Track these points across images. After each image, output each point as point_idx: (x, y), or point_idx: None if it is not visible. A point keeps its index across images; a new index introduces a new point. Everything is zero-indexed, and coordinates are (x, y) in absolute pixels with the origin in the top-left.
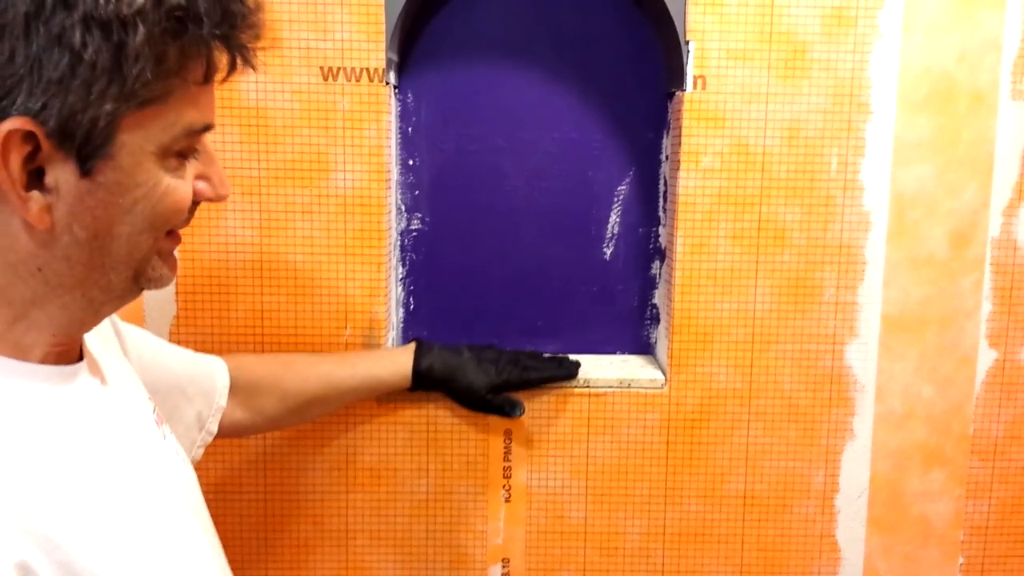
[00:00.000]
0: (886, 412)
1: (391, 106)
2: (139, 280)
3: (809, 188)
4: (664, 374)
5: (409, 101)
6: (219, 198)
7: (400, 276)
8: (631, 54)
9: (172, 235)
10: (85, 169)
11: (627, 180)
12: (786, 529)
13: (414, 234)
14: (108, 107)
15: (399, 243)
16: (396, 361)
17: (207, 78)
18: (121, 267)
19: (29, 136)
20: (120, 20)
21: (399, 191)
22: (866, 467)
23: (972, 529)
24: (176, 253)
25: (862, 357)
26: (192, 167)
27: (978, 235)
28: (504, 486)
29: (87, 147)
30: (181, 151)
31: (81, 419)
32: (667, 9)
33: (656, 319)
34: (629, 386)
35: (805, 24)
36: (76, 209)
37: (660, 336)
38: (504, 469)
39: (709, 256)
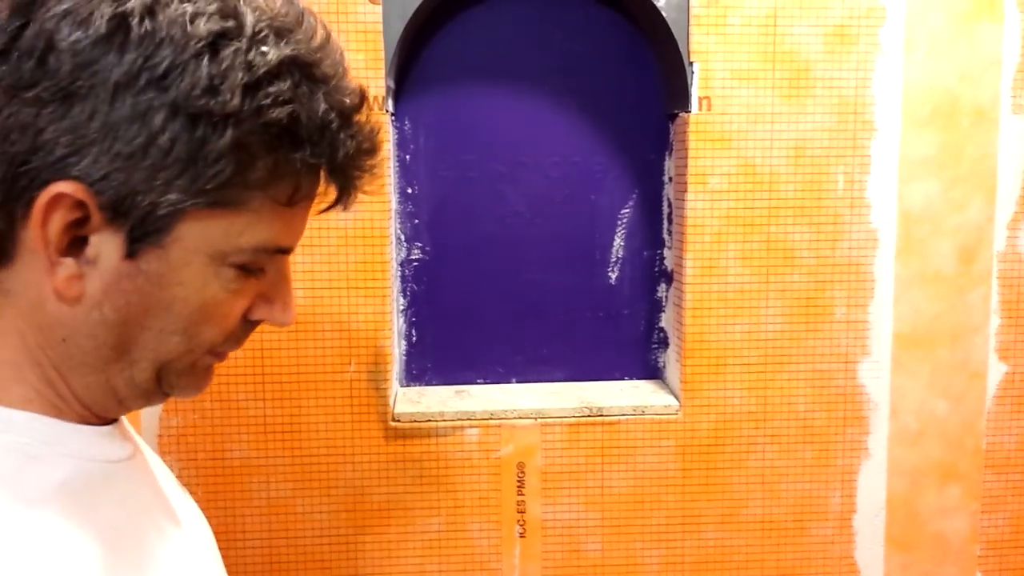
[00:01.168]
0: (900, 429)
1: (390, 134)
2: (161, 383)
3: (816, 207)
4: (677, 399)
5: (407, 128)
6: (277, 324)
7: (401, 307)
8: (630, 76)
9: (214, 352)
10: (131, 251)
11: (630, 203)
12: (805, 552)
13: (415, 264)
14: (172, 197)
15: (400, 274)
16: None
17: (291, 201)
18: (145, 363)
19: (80, 203)
20: (209, 116)
21: (398, 220)
22: (882, 486)
23: (988, 543)
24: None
25: (875, 375)
26: (254, 284)
27: (984, 249)
28: (518, 521)
29: (139, 230)
30: (244, 264)
31: (123, 484)
32: (670, 30)
33: (664, 343)
34: (643, 413)
35: (808, 43)
36: (111, 288)
37: (670, 360)
38: (518, 503)
39: (719, 278)
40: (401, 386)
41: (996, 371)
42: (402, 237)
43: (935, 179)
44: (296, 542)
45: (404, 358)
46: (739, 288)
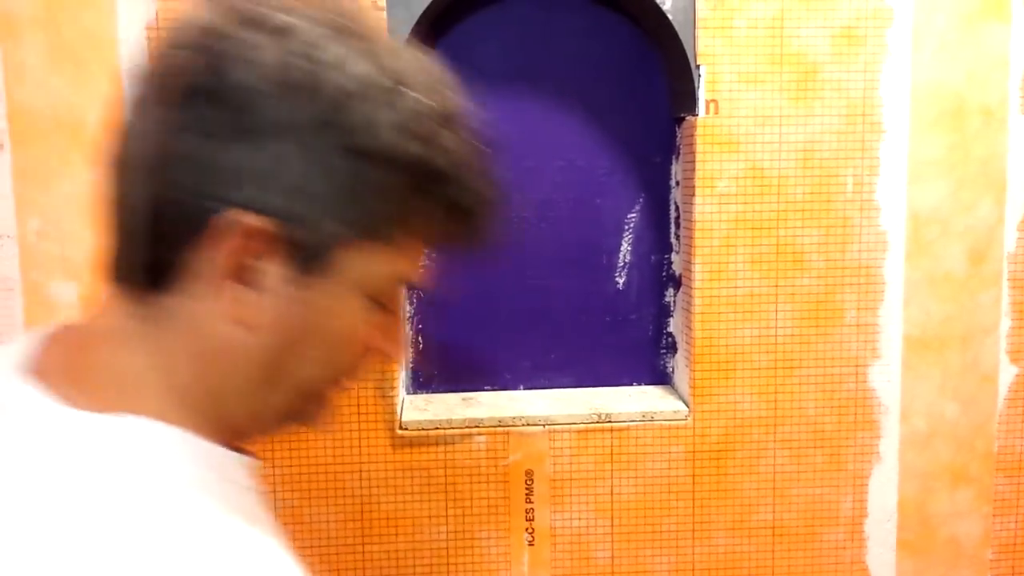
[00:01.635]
0: (911, 433)
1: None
2: (298, 411)
3: (826, 210)
4: (686, 404)
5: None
6: (391, 358)
7: (407, 315)
8: (635, 80)
9: (340, 383)
10: (297, 279)
11: (637, 207)
12: (816, 558)
13: (420, 270)
14: (339, 229)
15: None
16: None
17: (434, 242)
18: (288, 390)
19: (254, 231)
20: (379, 155)
21: None
22: (894, 490)
23: (1000, 547)
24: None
25: (885, 378)
26: (377, 317)
27: (994, 251)
28: (527, 529)
29: (305, 259)
30: (381, 298)
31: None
32: (676, 33)
33: (672, 348)
34: (652, 419)
35: (815, 45)
36: (275, 314)
37: (679, 365)
38: (527, 511)
39: (728, 282)
40: (408, 394)
41: (1007, 373)
42: None
43: (944, 180)
44: (304, 551)
45: (410, 366)
46: (748, 292)
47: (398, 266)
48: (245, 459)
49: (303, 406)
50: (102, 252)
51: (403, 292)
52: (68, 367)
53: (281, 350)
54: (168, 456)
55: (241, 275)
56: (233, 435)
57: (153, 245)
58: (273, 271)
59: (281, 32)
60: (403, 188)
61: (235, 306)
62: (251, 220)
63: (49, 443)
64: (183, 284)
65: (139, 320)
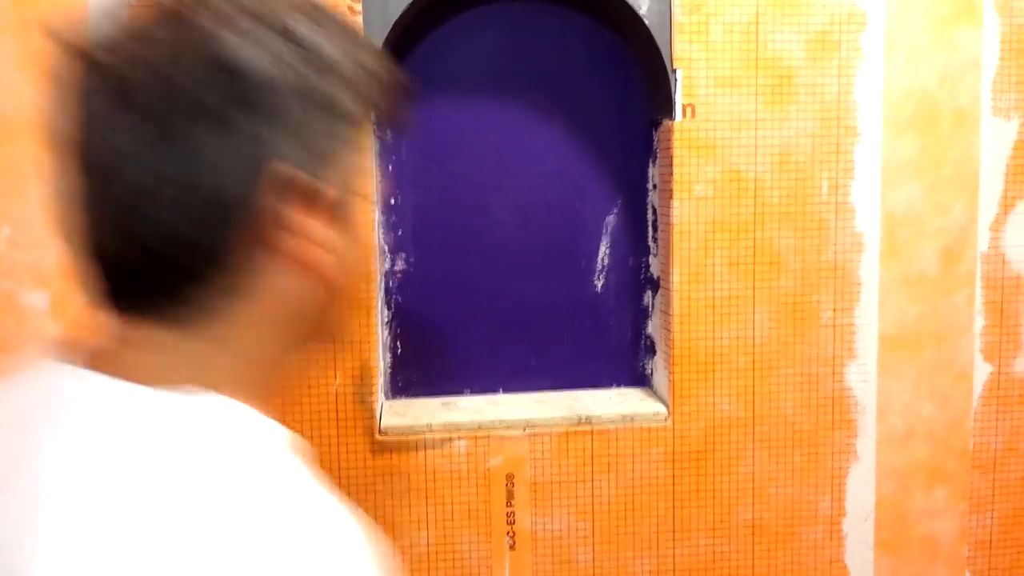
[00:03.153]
0: (888, 432)
1: (372, 143)
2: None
3: (802, 212)
4: (666, 406)
5: (388, 138)
6: (355, 269)
7: (386, 319)
8: (612, 84)
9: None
10: (334, 216)
11: (615, 211)
12: (795, 556)
13: (399, 275)
14: (353, 157)
15: (383, 285)
16: None
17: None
18: (328, 328)
19: (296, 184)
20: (366, 77)
21: (382, 231)
22: (871, 489)
23: (976, 544)
24: None
25: (862, 378)
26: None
27: (968, 251)
28: (508, 532)
29: (338, 210)
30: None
31: None
32: (653, 38)
33: (650, 350)
34: (632, 421)
35: (790, 49)
36: (329, 261)
37: (658, 367)
38: (507, 515)
39: (706, 285)
40: (387, 399)
41: (981, 371)
42: (386, 248)
43: (918, 182)
44: None
45: (389, 370)
46: (726, 294)
47: (361, 176)
48: (294, 435)
49: (323, 333)
50: (77, 262)
51: None
52: (124, 363)
53: (334, 292)
54: (258, 432)
55: (293, 230)
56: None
57: (187, 237)
58: (316, 220)
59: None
60: (362, 105)
61: (299, 258)
62: (291, 172)
63: (151, 421)
64: (235, 261)
65: (178, 317)
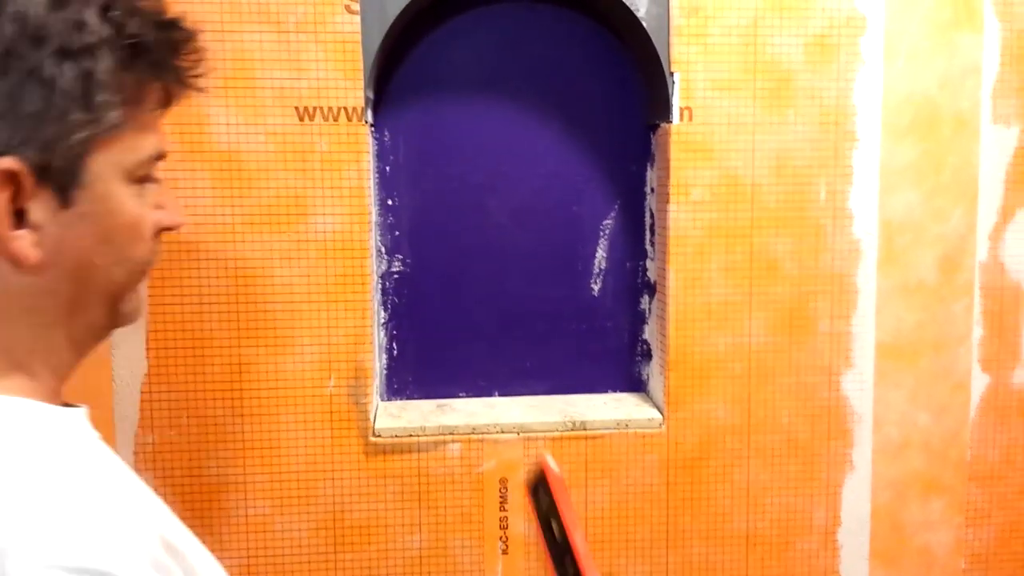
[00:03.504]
0: (884, 442)
1: (369, 145)
2: (114, 316)
3: (799, 218)
4: (661, 412)
5: (386, 139)
6: (177, 225)
7: (382, 321)
8: (610, 87)
9: (144, 271)
10: (64, 201)
11: (612, 214)
12: (790, 566)
13: (395, 276)
14: (80, 135)
15: (380, 286)
16: None
17: (162, 104)
18: (100, 300)
19: (11, 174)
20: (88, 50)
21: (379, 232)
22: (867, 499)
23: (973, 556)
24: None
25: (858, 387)
26: (153, 194)
27: (966, 260)
28: (501, 537)
29: (64, 178)
30: (142, 179)
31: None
32: (651, 41)
33: (647, 355)
34: (626, 427)
35: (789, 53)
36: (59, 243)
37: (653, 373)
38: (501, 520)
39: (702, 290)
40: (382, 400)
41: (979, 382)
42: (382, 249)
43: (916, 189)
44: (275, 560)
45: (385, 372)
46: (723, 300)
47: (144, 143)
48: (76, 411)
49: (120, 308)
50: None
51: (157, 162)
52: None
53: (80, 270)
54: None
55: (17, 222)
56: (65, 366)
57: None
58: (42, 204)
59: None
60: (119, 70)
61: (25, 252)
62: (9, 165)
63: None
64: None
65: None
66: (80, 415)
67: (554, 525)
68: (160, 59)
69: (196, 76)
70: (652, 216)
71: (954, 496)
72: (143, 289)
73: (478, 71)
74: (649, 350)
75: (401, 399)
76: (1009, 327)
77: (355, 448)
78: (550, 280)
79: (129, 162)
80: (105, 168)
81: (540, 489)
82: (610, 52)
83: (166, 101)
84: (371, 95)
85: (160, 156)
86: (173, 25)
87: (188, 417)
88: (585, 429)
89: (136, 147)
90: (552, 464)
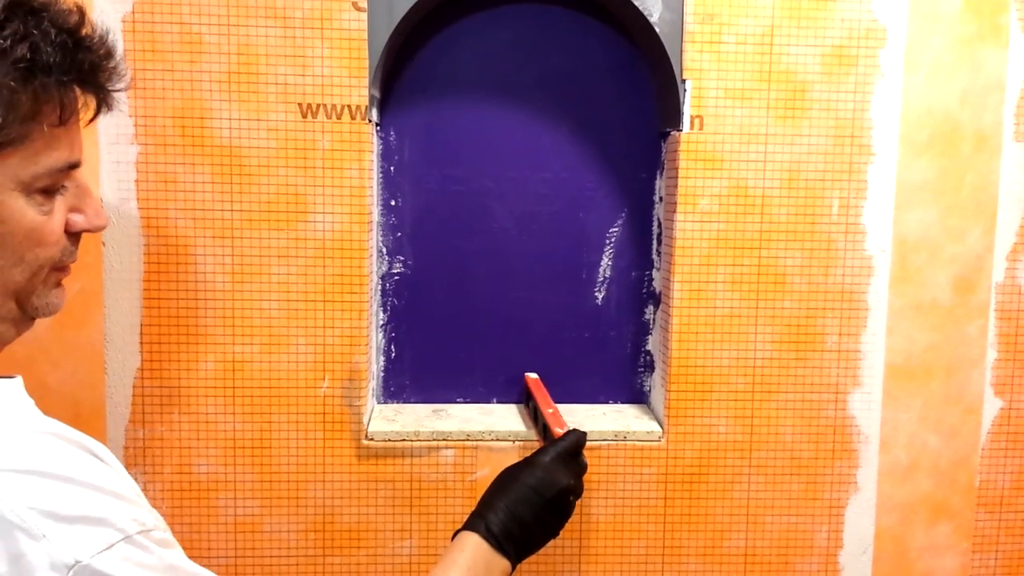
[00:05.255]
0: (891, 463)
1: (373, 144)
2: (27, 308)
3: (810, 232)
4: (661, 425)
5: (392, 139)
6: (95, 228)
7: (381, 322)
8: (622, 92)
9: (56, 268)
10: None
11: (619, 222)
12: None
13: (396, 278)
14: None
15: (380, 287)
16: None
17: (62, 121)
18: (4, 297)
19: None
20: None
21: (380, 233)
22: (871, 521)
23: None
24: (63, 282)
25: (866, 407)
26: (63, 202)
27: (983, 280)
28: None
29: None
30: (45, 188)
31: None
32: (663, 47)
33: (650, 367)
34: (625, 439)
35: (805, 63)
36: None
37: (655, 385)
38: None
39: (707, 302)
40: (378, 403)
41: (991, 406)
42: (384, 250)
43: (933, 206)
44: (262, 562)
45: (382, 374)
46: (728, 313)
47: (43, 157)
48: (13, 381)
49: (31, 303)
50: None
51: (74, 172)
52: None
53: None
54: None
55: None
56: None
57: None
58: None
59: None
60: (3, 90)
61: None
62: None
63: None
64: None
65: None
66: (17, 384)
67: (539, 415)
68: (58, 80)
69: (104, 90)
70: (660, 226)
71: (961, 521)
72: (59, 283)
73: (487, 73)
74: (652, 361)
75: (398, 402)
76: None
77: (347, 451)
78: (553, 287)
79: (27, 175)
80: (0, 181)
81: (528, 396)
82: (623, 57)
83: (72, 114)
84: (377, 94)
85: (71, 166)
86: (77, 43)
87: (180, 413)
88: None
89: (35, 160)
90: (532, 375)
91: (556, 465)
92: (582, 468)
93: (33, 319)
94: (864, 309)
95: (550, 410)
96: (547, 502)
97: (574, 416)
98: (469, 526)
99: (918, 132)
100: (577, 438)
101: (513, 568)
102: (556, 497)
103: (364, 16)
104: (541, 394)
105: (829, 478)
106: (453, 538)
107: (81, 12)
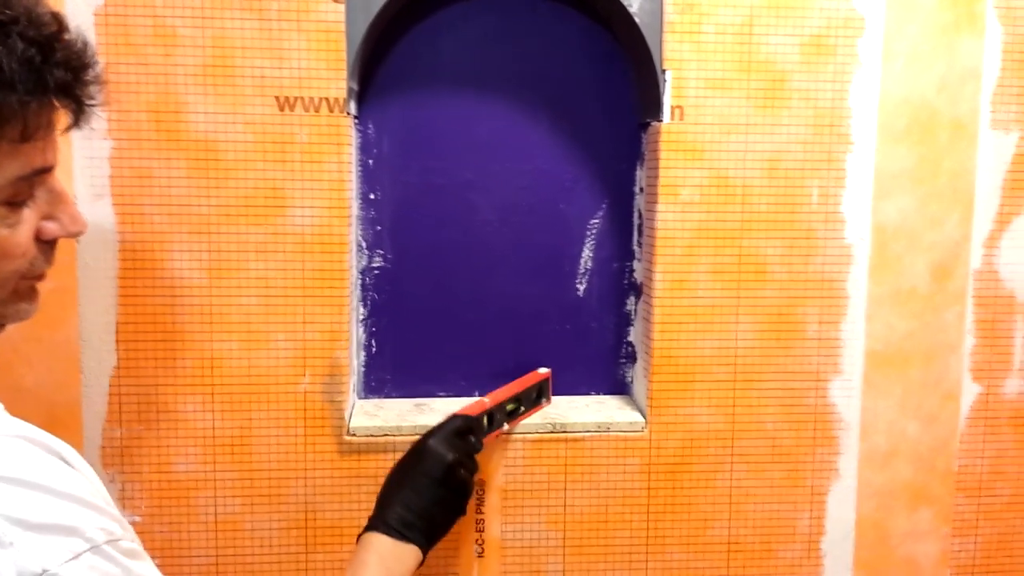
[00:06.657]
0: (871, 450)
1: (352, 137)
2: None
3: (790, 221)
4: (643, 416)
5: (370, 132)
6: (71, 235)
7: (361, 317)
8: (602, 83)
9: (28, 277)
10: None
11: (600, 213)
12: (772, 575)
13: (376, 272)
14: None
15: (359, 282)
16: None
17: (24, 138)
18: None
19: None
20: None
21: (359, 227)
22: (852, 507)
23: (958, 568)
24: (39, 287)
25: (846, 394)
26: (33, 211)
27: (960, 267)
28: (477, 540)
29: None
30: (8, 201)
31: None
32: (643, 37)
33: (631, 357)
34: (608, 430)
35: (784, 53)
36: None
37: (637, 375)
38: (477, 522)
39: (689, 292)
40: (359, 398)
41: (970, 392)
42: (363, 244)
43: (911, 194)
44: (245, 560)
45: (363, 369)
46: (709, 303)
47: (5, 168)
48: None
49: (1, 309)
50: None
51: (45, 177)
52: None
53: None
54: None
55: None
56: None
57: None
58: None
59: None
60: None
61: None
62: None
63: None
64: None
65: None
66: None
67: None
68: (21, 99)
69: (79, 103)
70: (640, 216)
71: (941, 506)
72: (33, 290)
73: (466, 64)
74: (634, 352)
75: (379, 397)
76: (1002, 337)
77: (329, 447)
78: (535, 279)
79: None
80: None
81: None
82: (602, 48)
83: (39, 129)
84: (355, 86)
85: (40, 171)
86: (47, 58)
87: (158, 412)
88: (566, 431)
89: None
90: (543, 370)
91: (438, 445)
92: (471, 447)
93: (2, 326)
94: (844, 297)
95: (487, 399)
96: (437, 481)
97: (556, 408)
98: (369, 527)
99: (896, 120)
100: (458, 420)
101: (427, 551)
102: (445, 474)
103: (341, 7)
104: (511, 386)
105: (810, 465)
106: (357, 541)
107: (59, 22)
